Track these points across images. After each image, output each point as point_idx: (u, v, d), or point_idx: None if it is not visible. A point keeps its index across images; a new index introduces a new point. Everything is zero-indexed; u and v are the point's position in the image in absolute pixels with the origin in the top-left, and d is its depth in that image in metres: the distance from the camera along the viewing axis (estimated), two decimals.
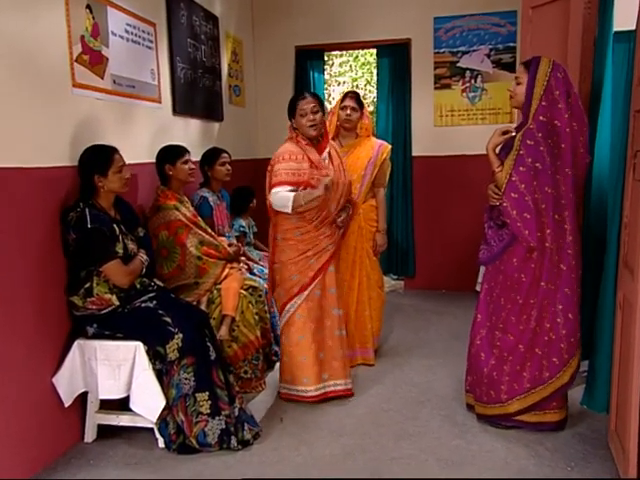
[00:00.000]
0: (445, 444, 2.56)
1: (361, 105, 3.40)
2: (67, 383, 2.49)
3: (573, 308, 2.46)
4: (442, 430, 2.68)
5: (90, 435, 2.64)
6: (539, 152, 2.36)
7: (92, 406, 2.62)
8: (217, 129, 4.46)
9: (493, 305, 2.61)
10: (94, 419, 2.63)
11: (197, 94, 4.03)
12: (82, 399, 2.63)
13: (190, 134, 3.96)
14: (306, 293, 2.93)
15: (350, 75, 7.01)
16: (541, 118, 2.38)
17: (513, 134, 2.50)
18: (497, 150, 2.57)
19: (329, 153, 3.01)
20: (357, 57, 6.93)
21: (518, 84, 2.50)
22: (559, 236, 2.40)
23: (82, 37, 2.67)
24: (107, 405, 2.68)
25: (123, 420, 2.61)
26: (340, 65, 7.05)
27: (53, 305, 2.49)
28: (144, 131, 3.31)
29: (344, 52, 6.91)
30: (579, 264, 2.48)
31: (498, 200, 2.46)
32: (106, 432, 2.68)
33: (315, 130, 2.90)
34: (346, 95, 3.44)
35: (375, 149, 3.46)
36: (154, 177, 3.20)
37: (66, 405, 2.51)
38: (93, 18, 2.77)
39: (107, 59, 2.90)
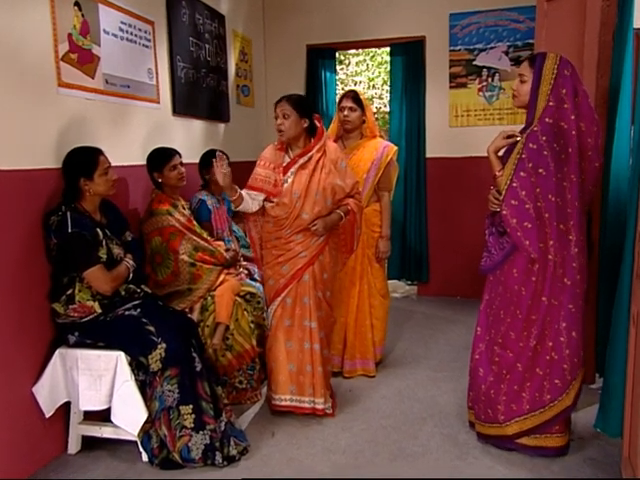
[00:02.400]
0: (443, 466, 2.39)
1: (361, 104, 3.24)
2: (48, 393, 2.40)
3: (577, 326, 2.27)
4: (441, 450, 2.52)
5: (74, 446, 2.54)
6: (542, 157, 2.17)
7: (75, 417, 2.53)
8: (223, 130, 4.36)
9: (492, 318, 2.43)
10: (77, 430, 2.54)
11: (200, 94, 3.93)
12: (67, 409, 2.54)
13: (192, 135, 3.86)
14: (279, 300, 2.80)
15: (367, 74, 6.84)
16: (547, 120, 2.20)
17: (518, 139, 2.32)
18: (501, 153, 2.41)
19: (309, 158, 2.75)
20: (374, 56, 6.75)
21: (522, 82, 2.32)
22: (564, 248, 2.22)
23: (69, 35, 2.59)
24: (92, 416, 2.59)
25: (106, 432, 2.51)
26: (357, 64, 6.88)
27: (35, 312, 2.40)
28: (140, 132, 3.22)
29: (360, 51, 6.76)
30: (584, 278, 2.29)
31: (498, 207, 2.29)
32: (92, 443, 2.59)
33: (282, 136, 2.73)
34: (344, 95, 3.30)
35: (379, 150, 3.30)
36: (150, 179, 3.11)
37: (47, 416, 2.42)
38: (82, 16, 2.68)
39: (98, 58, 2.81)
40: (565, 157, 2.20)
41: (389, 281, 5.34)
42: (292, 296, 2.78)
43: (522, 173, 2.20)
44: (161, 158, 3.04)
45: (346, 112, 3.22)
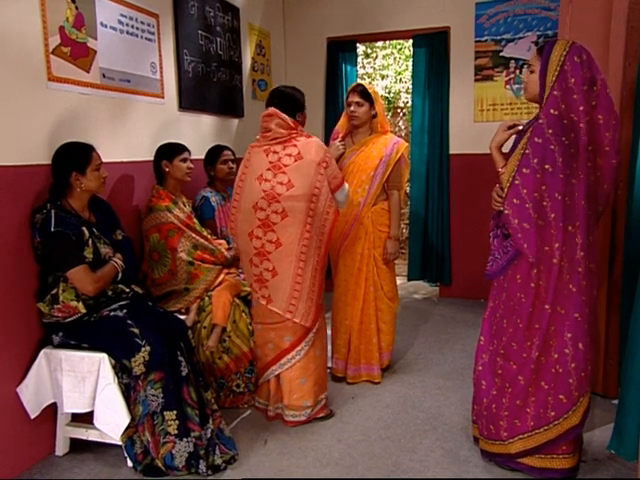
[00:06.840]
0: None
1: (369, 98, 3.08)
2: (32, 394, 2.35)
3: (584, 337, 2.06)
4: (440, 467, 2.35)
5: (61, 448, 2.50)
6: (549, 152, 1.98)
7: (62, 418, 2.47)
8: (236, 125, 4.27)
9: (496, 327, 2.25)
10: (65, 432, 2.49)
11: (210, 89, 3.84)
12: (56, 410, 2.49)
13: (201, 131, 3.78)
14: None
15: (394, 68, 6.62)
16: (552, 111, 2.01)
17: (520, 128, 2.14)
18: (507, 149, 2.22)
19: None
20: (401, 49, 6.53)
21: (532, 72, 2.13)
22: (571, 251, 2.01)
23: (61, 28, 2.53)
24: (82, 418, 2.53)
25: (92, 435, 2.44)
26: (384, 57, 6.68)
27: (21, 311, 2.35)
28: (142, 127, 3.15)
29: (387, 44, 6.56)
30: (593, 285, 2.08)
31: (501, 206, 2.11)
32: (81, 445, 2.53)
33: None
34: (351, 89, 3.14)
35: (389, 147, 3.13)
36: (153, 176, 3.05)
37: (32, 417, 2.37)
38: (76, 8, 2.62)
39: (95, 52, 2.75)
40: (575, 152, 2.00)
41: (410, 282, 5.21)
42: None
43: (525, 170, 2.01)
44: (174, 148, 3.02)
45: (353, 107, 3.07)
